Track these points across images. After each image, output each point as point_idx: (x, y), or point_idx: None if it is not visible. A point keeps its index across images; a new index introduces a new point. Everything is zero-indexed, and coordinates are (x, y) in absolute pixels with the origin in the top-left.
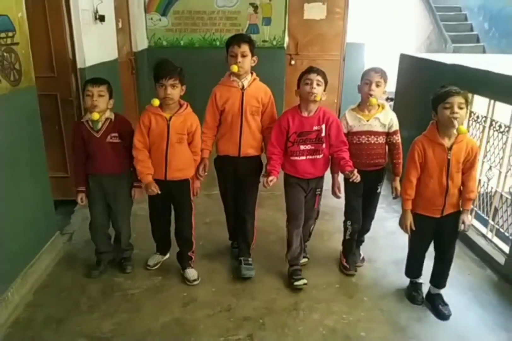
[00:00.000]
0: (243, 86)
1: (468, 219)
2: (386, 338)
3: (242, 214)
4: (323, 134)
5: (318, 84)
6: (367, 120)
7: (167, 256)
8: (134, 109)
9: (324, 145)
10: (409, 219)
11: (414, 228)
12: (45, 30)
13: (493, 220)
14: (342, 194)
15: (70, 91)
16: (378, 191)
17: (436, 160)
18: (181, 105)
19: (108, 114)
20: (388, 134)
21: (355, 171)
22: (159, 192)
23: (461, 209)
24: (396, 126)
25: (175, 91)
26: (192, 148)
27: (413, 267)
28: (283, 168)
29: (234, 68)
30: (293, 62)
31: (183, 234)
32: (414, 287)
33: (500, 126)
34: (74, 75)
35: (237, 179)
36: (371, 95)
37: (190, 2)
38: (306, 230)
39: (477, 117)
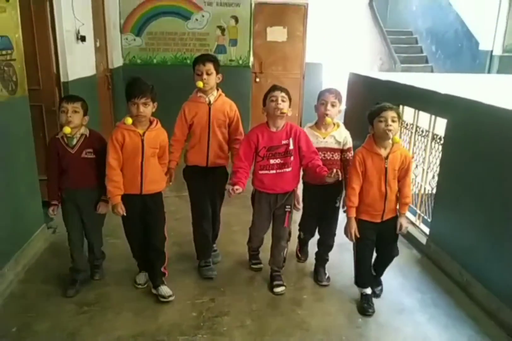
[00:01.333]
0: (209, 102)
1: (405, 221)
2: (323, 299)
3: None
4: (291, 147)
5: (283, 100)
6: (324, 138)
7: None
8: (109, 121)
9: (292, 158)
10: (354, 226)
11: (358, 235)
12: (33, 48)
13: (420, 209)
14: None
15: (54, 102)
16: (337, 204)
17: (375, 169)
18: (151, 122)
19: (83, 130)
20: (342, 151)
21: (334, 170)
22: (125, 214)
23: (398, 214)
24: (349, 143)
25: (147, 109)
26: (162, 161)
27: (362, 274)
28: (252, 183)
29: (200, 84)
30: (258, 79)
31: (157, 247)
32: (365, 299)
33: (422, 131)
34: (57, 88)
35: (206, 186)
36: (327, 114)
37: (163, 24)
38: (279, 253)
39: (406, 124)
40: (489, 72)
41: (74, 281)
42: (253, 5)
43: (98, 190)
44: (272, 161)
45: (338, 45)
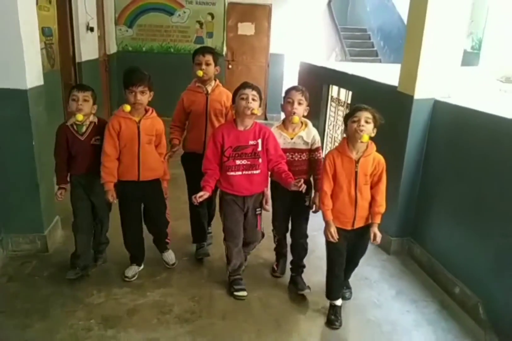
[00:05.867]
0: (207, 91)
1: (378, 231)
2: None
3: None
4: (259, 149)
5: (253, 99)
6: (291, 138)
7: (142, 266)
8: (107, 97)
9: (260, 160)
10: (332, 226)
11: (337, 236)
12: (56, 36)
13: None
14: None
15: (70, 77)
16: (306, 203)
17: (344, 172)
18: (146, 110)
19: (92, 118)
20: (310, 151)
21: (301, 181)
22: (115, 201)
23: (371, 222)
24: (318, 143)
25: (144, 97)
26: (159, 150)
27: (332, 286)
28: (219, 185)
29: (200, 73)
30: (230, 66)
31: (159, 230)
32: (333, 310)
33: (343, 103)
34: (73, 67)
35: (201, 173)
36: (294, 113)
37: (151, 18)
38: (249, 250)
39: (332, 98)
40: None
41: (74, 265)
42: (226, 4)
43: None
44: (238, 162)
45: (299, 39)
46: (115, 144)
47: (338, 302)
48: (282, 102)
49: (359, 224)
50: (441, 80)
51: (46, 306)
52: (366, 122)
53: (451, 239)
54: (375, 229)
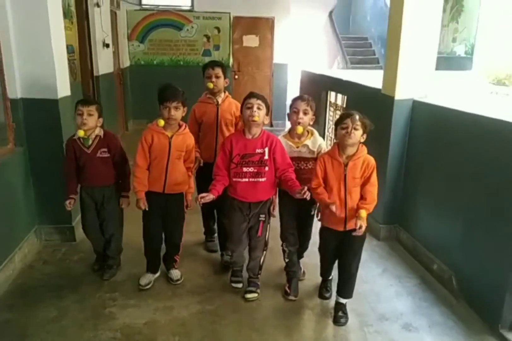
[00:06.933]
0: (217, 103)
1: (364, 224)
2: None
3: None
4: (266, 157)
5: (258, 108)
6: (297, 147)
7: (158, 274)
8: (122, 107)
9: (267, 168)
10: (332, 203)
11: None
12: (77, 53)
13: None
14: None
15: (89, 89)
16: (312, 213)
17: (334, 175)
18: (180, 126)
19: (97, 131)
20: (316, 160)
21: (305, 188)
22: (147, 209)
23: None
24: (324, 151)
25: (178, 112)
26: (187, 165)
27: (323, 270)
28: (228, 190)
29: (210, 85)
30: (237, 76)
31: (173, 242)
32: (324, 283)
33: (340, 107)
34: (91, 80)
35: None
36: (299, 123)
37: (161, 33)
38: (253, 260)
39: (331, 103)
40: None
41: (98, 259)
42: (231, 18)
43: (113, 186)
44: (245, 169)
45: (302, 49)
46: (146, 156)
47: (329, 277)
48: (289, 112)
49: (351, 225)
50: (418, 82)
51: (77, 282)
52: (355, 129)
53: (430, 223)
54: (359, 221)
